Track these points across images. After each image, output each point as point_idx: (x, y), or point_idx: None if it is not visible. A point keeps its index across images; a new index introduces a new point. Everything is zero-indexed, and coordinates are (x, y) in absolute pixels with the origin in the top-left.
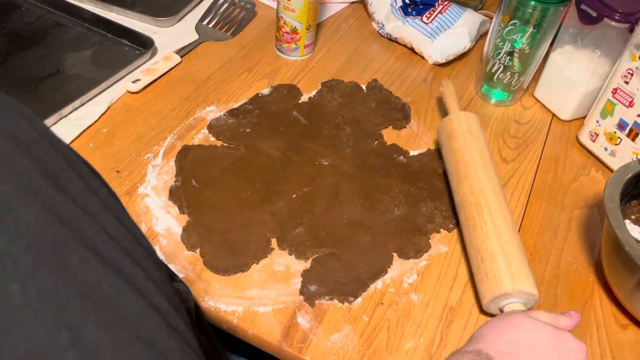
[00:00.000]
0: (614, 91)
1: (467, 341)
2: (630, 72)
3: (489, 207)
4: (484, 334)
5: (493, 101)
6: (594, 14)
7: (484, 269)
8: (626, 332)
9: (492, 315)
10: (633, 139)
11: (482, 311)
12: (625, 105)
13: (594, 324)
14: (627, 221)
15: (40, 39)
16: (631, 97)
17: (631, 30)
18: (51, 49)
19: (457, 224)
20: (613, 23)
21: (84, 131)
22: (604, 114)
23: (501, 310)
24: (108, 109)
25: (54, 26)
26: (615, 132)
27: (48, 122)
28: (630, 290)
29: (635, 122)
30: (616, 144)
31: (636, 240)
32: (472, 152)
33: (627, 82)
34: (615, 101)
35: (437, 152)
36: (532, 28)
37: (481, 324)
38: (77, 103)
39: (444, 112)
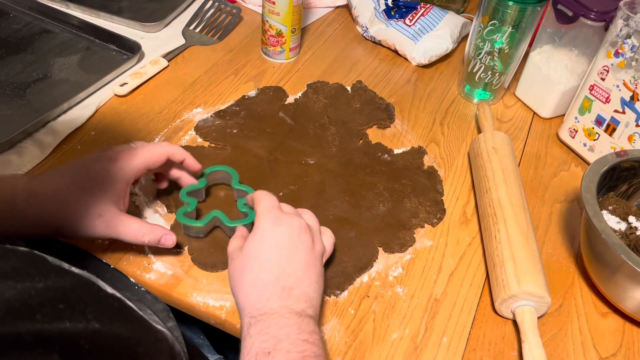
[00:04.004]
0: (591, 88)
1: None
2: (606, 69)
3: (504, 217)
4: (241, 301)
5: (475, 101)
6: (570, 14)
7: (496, 274)
8: (606, 320)
9: (505, 318)
10: (610, 134)
11: (494, 310)
12: (602, 101)
13: (574, 313)
14: (604, 212)
15: (27, 45)
16: (607, 93)
17: (606, 28)
18: (39, 55)
19: (442, 219)
20: (589, 22)
21: (71, 134)
22: (582, 110)
23: (513, 313)
24: (96, 112)
25: (42, 32)
26: (593, 128)
27: (35, 126)
28: (608, 278)
29: (612, 117)
30: (594, 140)
31: (613, 229)
32: (494, 167)
33: (603, 79)
34: (592, 98)
35: (421, 150)
36: (511, 28)
37: (465, 314)
38: (64, 106)
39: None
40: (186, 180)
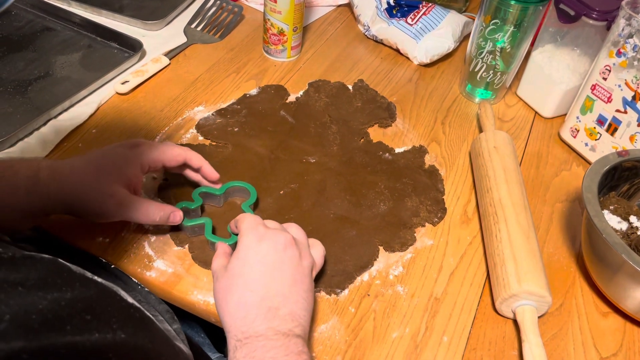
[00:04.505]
0: (593, 87)
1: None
2: (608, 68)
3: (505, 216)
4: (226, 322)
5: (477, 100)
6: (572, 13)
7: (496, 273)
8: (607, 320)
9: (505, 317)
10: (612, 134)
11: (495, 310)
12: (604, 101)
13: (575, 313)
14: (605, 211)
15: (29, 42)
16: (609, 93)
17: (608, 27)
18: (40, 53)
19: (443, 218)
20: (591, 21)
21: (73, 131)
22: (584, 110)
23: (513, 312)
24: (97, 110)
25: (43, 30)
26: (594, 128)
27: (37, 123)
28: (609, 278)
29: (613, 117)
30: (596, 139)
31: (614, 229)
32: (495, 167)
33: (605, 79)
34: (594, 97)
35: (422, 149)
36: (512, 27)
37: (465, 314)
38: (66, 104)
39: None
40: (204, 184)
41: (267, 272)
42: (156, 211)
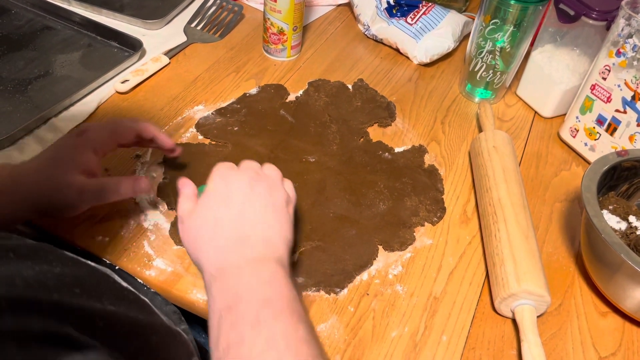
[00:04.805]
0: (593, 87)
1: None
2: (608, 68)
3: (504, 216)
4: (199, 261)
5: (477, 99)
6: (572, 13)
7: (496, 273)
8: (606, 320)
9: (504, 316)
10: (611, 134)
11: (494, 309)
12: (604, 101)
13: (574, 312)
14: (604, 211)
15: (29, 41)
16: (609, 93)
17: (608, 27)
18: (40, 51)
19: (443, 218)
20: (590, 21)
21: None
22: (583, 110)
23: (512, 312)
24: (97, 109)
25: (43, 29)
26: (594, 128)
27: (36, 122)
28: (608, 277)
29: (613, 117)
30: (595, 139)
31: (613, 229)
32: (494, 166)
33: (604, 79)
34: (593, 97)
35: (422, 149)
36: (512, 27)
37: (464, 313)
38: (66, 103)
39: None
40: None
41: (236, 207)
42: (120, 185)
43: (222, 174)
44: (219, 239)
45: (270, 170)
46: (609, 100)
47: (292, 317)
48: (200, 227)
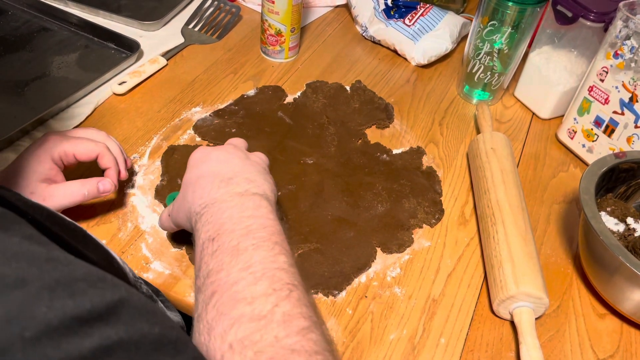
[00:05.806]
0: (590, 89)
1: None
2: (606, 69)
3: (502, 218)
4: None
5: (475, 101)
6: (570, 15)
7: (494, 275)
8: (604, 321)
9: (502, 319)
10: (609, 135)
11: (492, 311)
12: (601, 103)
13: (572, 314)
14: (602, 213)
15: (26, 43)
16: (606, 94)
17: (606, 29)
18: (37, 53)
19: (441, 220)
20: (588, 23)
21: None
22: (581, 111)
23: (511, 314)
24: (94, 110)
25: (40, 30)
26: (592, 129)
27: (33, 124)
28: (606, 279)
29: (611, 118)
30: (593, 141)
31: (611, 231)
32: (493, 168)
33: (602, 80)
34: (591, 99)
35: (420, 150)
36: (510, 29)
37: (462, 315)
38: (63, 105)
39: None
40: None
41: (214, 162)
42: (80, 188)
43: (199, 153)
44: (204, 184)
45: (256, 156)
46: (606, 101)
47: (273, 249)
48: (185, 190)
